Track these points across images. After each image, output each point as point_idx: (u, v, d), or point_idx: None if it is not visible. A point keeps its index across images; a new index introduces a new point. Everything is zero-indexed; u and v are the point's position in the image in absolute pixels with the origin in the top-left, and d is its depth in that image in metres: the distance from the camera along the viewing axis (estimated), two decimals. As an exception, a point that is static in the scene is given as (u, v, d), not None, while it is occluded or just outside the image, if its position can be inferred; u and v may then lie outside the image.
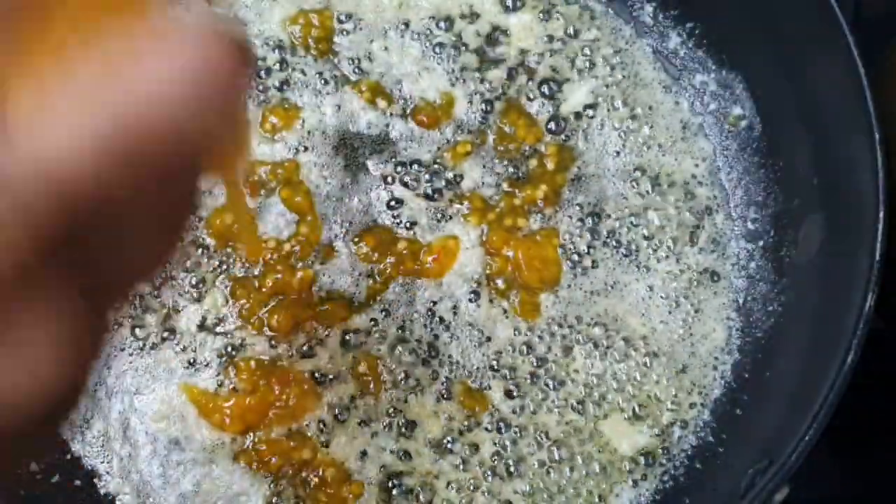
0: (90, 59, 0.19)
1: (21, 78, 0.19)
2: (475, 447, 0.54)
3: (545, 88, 0.60)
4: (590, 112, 0.59)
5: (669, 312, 0.56)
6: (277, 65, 0.60)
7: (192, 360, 0.55)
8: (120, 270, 0.23)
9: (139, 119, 0.19)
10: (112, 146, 0.18)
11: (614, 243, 0.57)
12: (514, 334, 0.56)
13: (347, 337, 0.55)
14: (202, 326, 0.55)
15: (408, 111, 0.59)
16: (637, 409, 0.55)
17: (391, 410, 0.54)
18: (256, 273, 0.56)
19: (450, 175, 0.58)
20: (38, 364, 0.19)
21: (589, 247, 0.57)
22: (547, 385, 0.55)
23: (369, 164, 0.58)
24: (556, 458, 0.54)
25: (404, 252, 0.56)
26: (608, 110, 0.59)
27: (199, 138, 0.20)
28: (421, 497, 0.53)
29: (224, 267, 0.56)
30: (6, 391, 0.19)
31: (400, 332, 0.55)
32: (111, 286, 0.23)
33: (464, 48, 0.60)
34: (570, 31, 0.61)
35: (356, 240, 0.57)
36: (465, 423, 0.54)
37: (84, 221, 0.19)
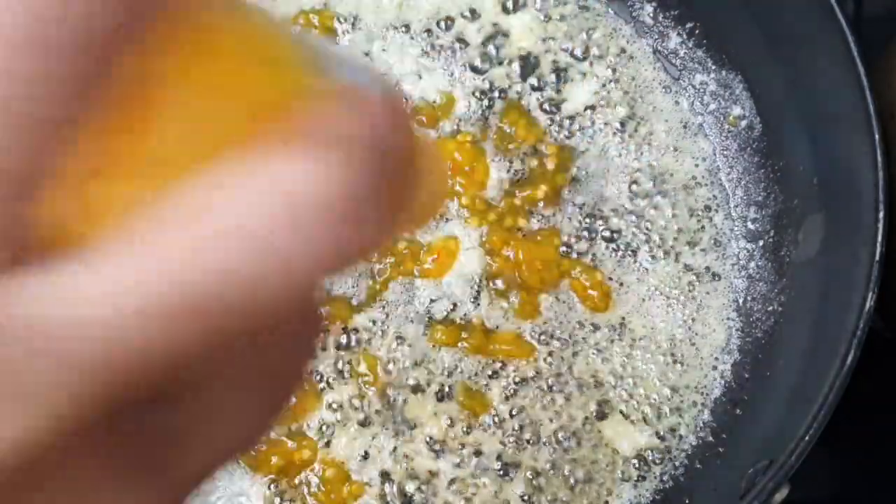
0: (203, 185, 0.15)
1: (105, 195, 0.15)
2: (475, 447, 0.54)
3: (545, 88, 0.60)
4: (590, 112, 0.59)
5: (669, 312, 0.56)
6: (277, 65, 0.60)
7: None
8: (206, 446, 0.17)
9: (247, 271, 0.14)
10: (190, 307, 0.14)
11: (614, 243, 0.57)
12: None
13: (347, 337, 0.55)
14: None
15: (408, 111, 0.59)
16: (637, 408, 0.55)
17: (391, 411, 0.54)
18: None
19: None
20: None
21: (589, 247, 0.57)
22: (547, 385, 0.55)
23: (369, 164, 0.58)
24: (556, 458, 0.54)
25: (404, 252, 0.56)
26: (608, 110, 0.59)
27: (309, 289, 0.16)
28: (421, 497, 0.53)
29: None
30: None
31: (400, 332, 0.55)
32: (194, 465, 0.17)
33: (464, 48, 0.60)
34: (571, 31, 0.61)
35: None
36: (465, 423, 0.54)
37: (152, 389, 0.15)
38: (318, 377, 0.54)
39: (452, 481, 0.53)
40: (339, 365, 0.55)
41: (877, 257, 0.46)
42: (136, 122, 0.15)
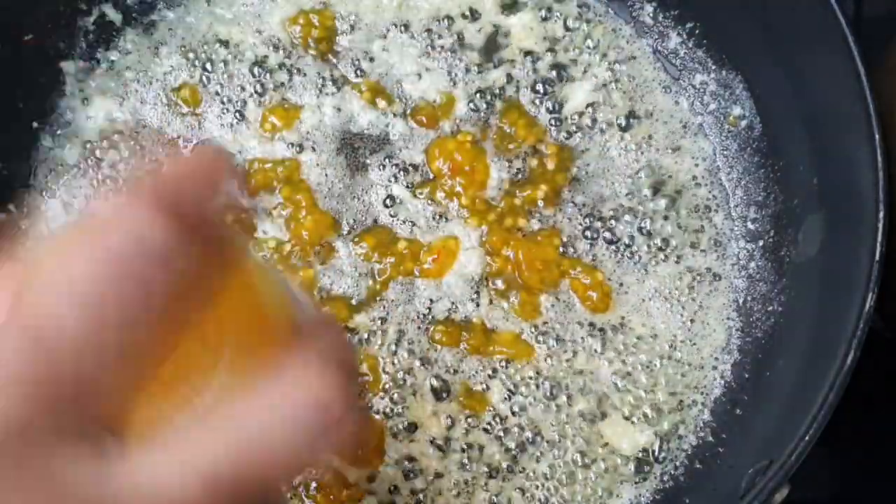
0: (232, 398, 0.21)
1: (151, 398, 0.21)
2: (475, 447, 0.54)
3: (546, 88, 0.60)
4: (590, 112, 0.59)
5: (669, 312, 0.56)
6: (277, 65, 0.60)
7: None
8: None
9: (258, 461, 0.21)
10: (225, 487, 0.20)
11: (614, 244, 0.57)
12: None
13: (347, 337, 0.55)
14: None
15: (408, 111, 0.59)
16: (637, 408, 0.55)
17: (391, 411, 0.54)
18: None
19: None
20: None
21: (589, 247, 0.57)
22: (547, 385, 0.55)
23: (369, 163, 0.58)
24: (556, 458, 0.54)
25: (404, 252, 0.56)
26: (608, 110, 0.59)
27: (308, 466, 0.23)
28: (422, 497, 0.53)
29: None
30: None
31: (400, 332, 0.55)
32: None
33: (464, 48, 0.60)
34: (571, 31, 0.61)
35: (356, 240, 0.57)
36: (465, 423, 0.54)
37: None
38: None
39: (452, 481, 0.53)
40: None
41: (877, 257, 0.46)
42: (182, 348, 0.21)
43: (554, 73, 0.60)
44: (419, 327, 0.56)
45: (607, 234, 0.57)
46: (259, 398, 0.22)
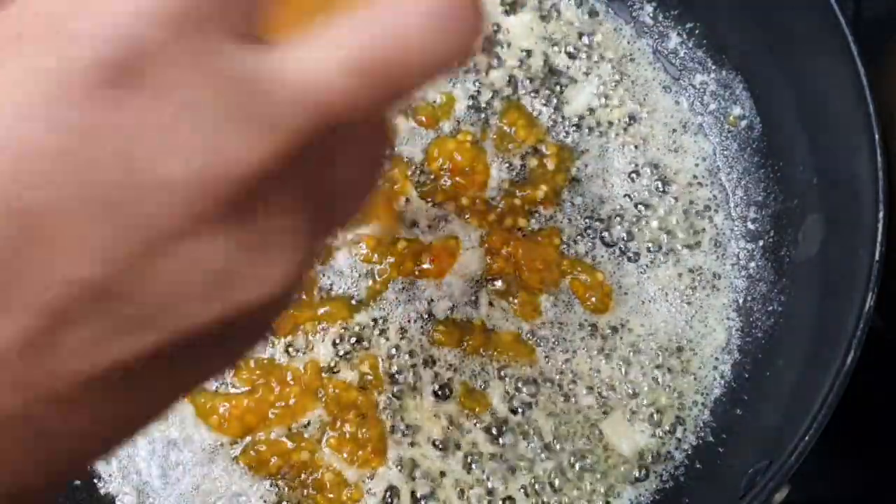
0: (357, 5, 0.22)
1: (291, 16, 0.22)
2: (475, 447, 0.54)
3: (545, 88, 0.60)
4: (590, 112, 0.59)
5: (669, 313, 0.56)
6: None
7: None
8: (339, 199, 0.24)
9: (397, 52, 0.21)
10: (370, 70, 0.21)
11: (614, 244, 0.57)
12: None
13: (347, 337, 0.55)
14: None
15: (408, 111, 0.59)
16: (637, 408, 0.55)
17: (391, 412, 0.54)
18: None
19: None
20: (285, 259, 0.22)
21: (589, 247, 0.57)
22: (547, 385, 0.55)
23: (369, 164, 0.58)
24: (556, 458, 0.54)
25: (404, 252, 0.56)
26: (608, 110, 0.59)
27: (447, 60, 0.22)
28: (423, 498, 0.53)
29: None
30: (260, 280, 0.21)
31: (400, 332, 0.55)
32: (330, 212, 0.24)
33: (464, 48, 0.60)
34: (571, 31, 0.61)
35: (356, 240, 0.57)
36: (465, 423, 0.54)
37: (323, 141, 0.21)
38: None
39: (453, 481, 0.53)
40: (339, 364, 0.55)
41: (877, 257, 0.46)
42: None
43: (554, 73, 0.60)
44: (419, 328, 0.56)
45: (607, 235, 0.57)
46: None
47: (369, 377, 0.54)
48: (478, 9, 0.22)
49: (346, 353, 0.55)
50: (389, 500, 0.53)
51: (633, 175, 0.58)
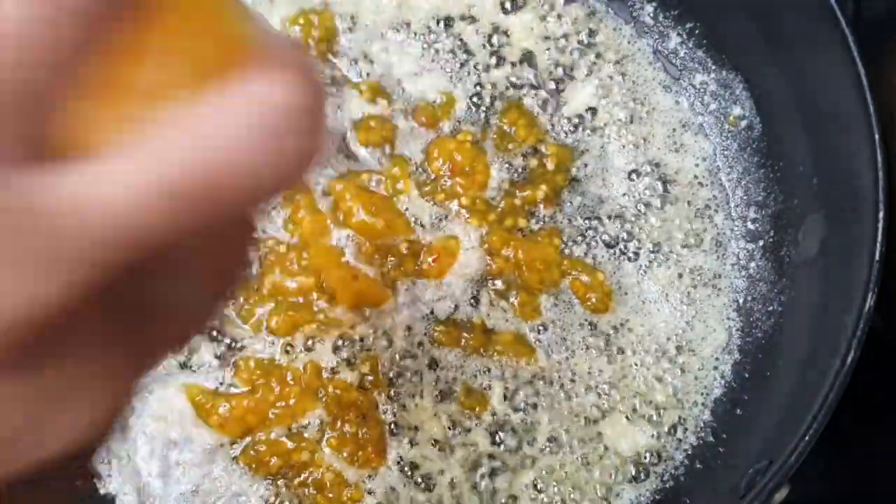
0: (180, 99, 0.19)
1: (105, 114, 0.19)
2: (475, 447, 0.54)
3: (545, 88, 0.60)
4: (590, 112, 0.59)
5: (669, 312, 0.56)
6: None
7: (190, 360, 0.55)
8: (169, 323, 0.22)
9: (220, 167, 0.18)
10: (187, 193, 0.18)
11: (614, 244, 0.57)
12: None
13: (347, 337, 0.55)
14: (202, 326, 0.55)
15: (408, 111, 0.59)
16: (637, 408, 0.55)
17: (391, 412, 0.54)
18: (255, 274, 0.56)
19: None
20: (91, 405, 0.20)
21: (589, 247, 0.57)
22: (547, 385, 0.55)
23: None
24: (557, 458, 0.54)
25: (405, 252, 0.56)
26: (608, 110, 0.59)
27: (279, 183, 0.20)
28: (423, 497, 0.53)
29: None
30: (59, 433, 0.19)
31: (400, 332, 0.55)
32: (156, 340, 0.22)
33: (464, 48, 0.60)
34: (571, 31, 0.61)
35: (356, 240, 0.57)
36: (465, 423, 0.54)
37: (140, 268, 0.19)
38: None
39: (453, 481, 0.53)
40: (339, 364, 0.55)
41: (877, 257, 0.46)
42: (130, 58, 0.19)
43: (554, 73, 0.60)
44: (419, 328, 0.56)
45: (607, 235, 0.57)
46: (215, 104, 0.19)
47: (369, 377, 0.54)
48: (318, 120, 0.20)
49: (347, 354, 0.55)
50: (389, 499, 0.53)
51: (633, 175, 0.58)
